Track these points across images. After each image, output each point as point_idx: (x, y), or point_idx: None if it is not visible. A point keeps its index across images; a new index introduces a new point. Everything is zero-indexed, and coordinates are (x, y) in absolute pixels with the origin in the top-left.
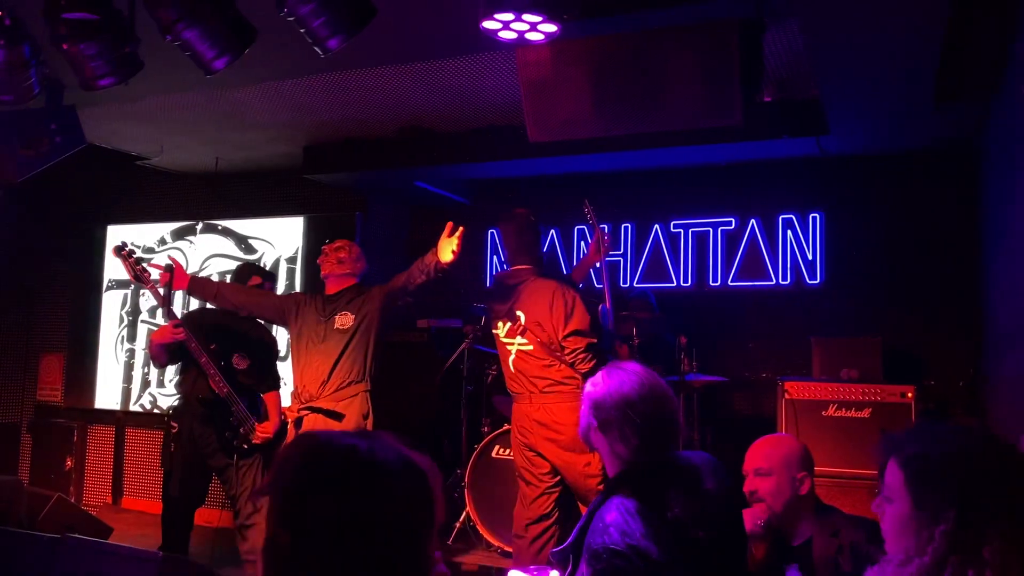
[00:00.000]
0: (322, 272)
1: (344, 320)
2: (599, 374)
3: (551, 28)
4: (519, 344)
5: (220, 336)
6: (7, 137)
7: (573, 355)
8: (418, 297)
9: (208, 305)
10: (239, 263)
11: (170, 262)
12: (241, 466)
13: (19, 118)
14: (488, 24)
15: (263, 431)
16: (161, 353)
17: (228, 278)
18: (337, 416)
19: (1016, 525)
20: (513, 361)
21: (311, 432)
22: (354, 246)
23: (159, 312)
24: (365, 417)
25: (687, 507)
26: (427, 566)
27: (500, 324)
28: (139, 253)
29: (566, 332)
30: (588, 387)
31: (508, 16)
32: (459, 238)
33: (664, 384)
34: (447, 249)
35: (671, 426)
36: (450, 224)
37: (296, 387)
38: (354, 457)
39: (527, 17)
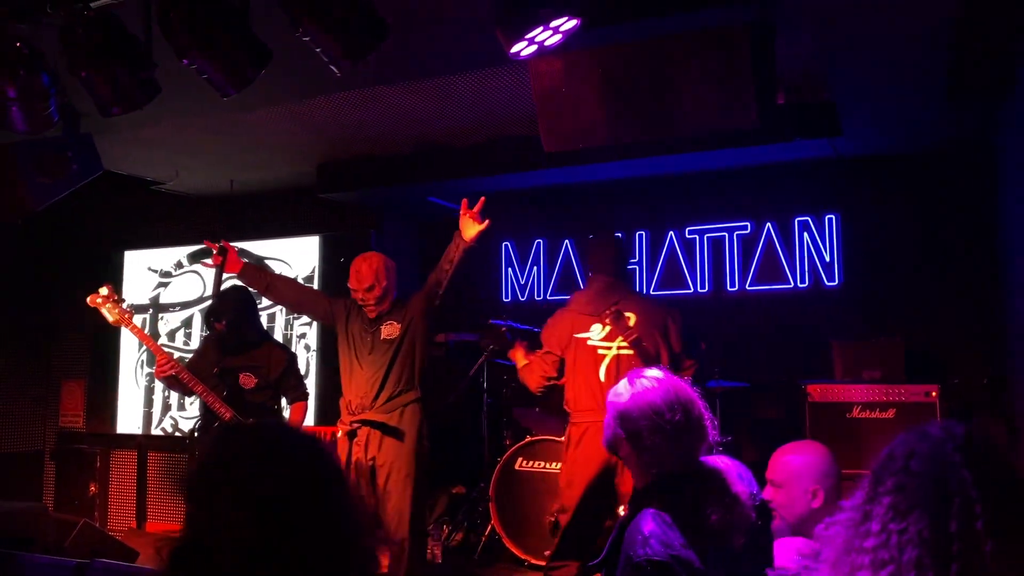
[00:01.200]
0: (371, 316)
1: (390, 330)
2: (621, 383)
3: (571, 24)
4: (618, 347)
5: (229, 357)
6: (26, 165)
7: (684, 372)
8: (455, 280)
9: (225, 301)
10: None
11: (223, 245)
12: None
13: (37, 146)
14: (516, 47)
15: None
16: (172, 385)
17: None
18: (397, 433)
19: (937, 517)
20: (607, 367)
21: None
22: (379, 269)
23: (178, 335)
24: (420, 432)
25: (722, 515)
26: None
27: (595, 327)
28: (119, 295)
29: (678, 349)
30: (611, 397)
31: (537, 31)
32: (479, 208)
33: (688, 387)
34: (469, 225)
35: (700, 431)
36: (465, 201)
37: (346, 398)
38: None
39: (553, 23)
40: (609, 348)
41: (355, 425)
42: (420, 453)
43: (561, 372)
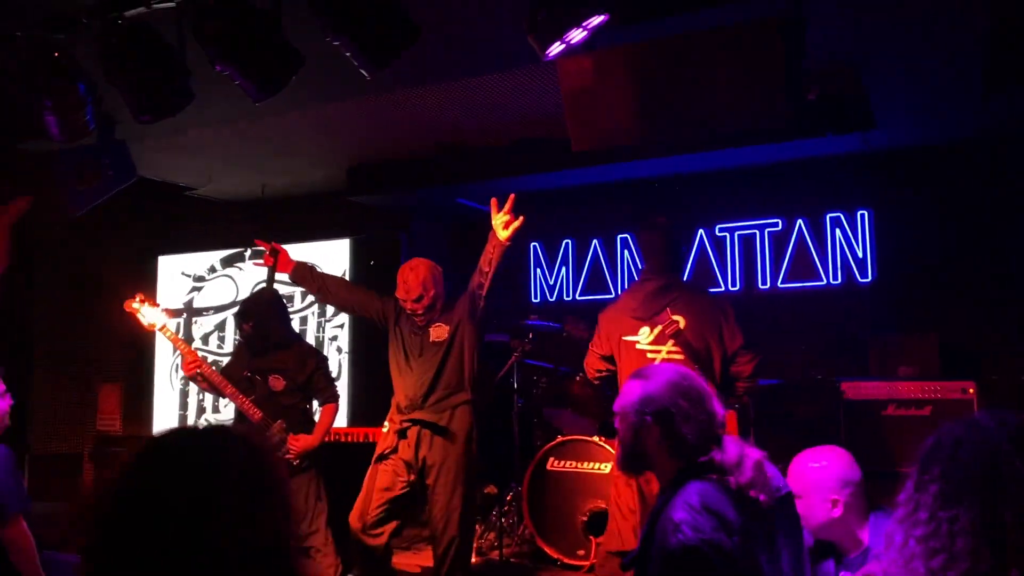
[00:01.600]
0: (420, 325)
1: (439, 332)
2: (625, 386)
3: (599, 19)
4: (668, 351)
5: (258, 359)
6: (64, 173)
7: (746, 365)
8: (496, 282)
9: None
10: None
11: (274, 246)
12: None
13: (74, 154)
14: (553, 49)
15: (292, 444)
16: (204, 386)
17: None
18: (445, 432)
19: (990, 506)
20: None
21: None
22: (426, 279)
23: (212, 338)
24: (469, 435)
25: (745, 475)
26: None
27: (643, 331)
28: (154, 301)
29: (735, 347)
30: (622, 400)
31: (573, 30)
32: (509, 206)
33: (684, 367)
34: (500, 225)
35: (712, 397)
36: (495, 201)
37: (397, 398)
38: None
39: (586, 22)
40: (658, 352)
41: (405, 424)
42: (469, 454)
43: (614, 364)
